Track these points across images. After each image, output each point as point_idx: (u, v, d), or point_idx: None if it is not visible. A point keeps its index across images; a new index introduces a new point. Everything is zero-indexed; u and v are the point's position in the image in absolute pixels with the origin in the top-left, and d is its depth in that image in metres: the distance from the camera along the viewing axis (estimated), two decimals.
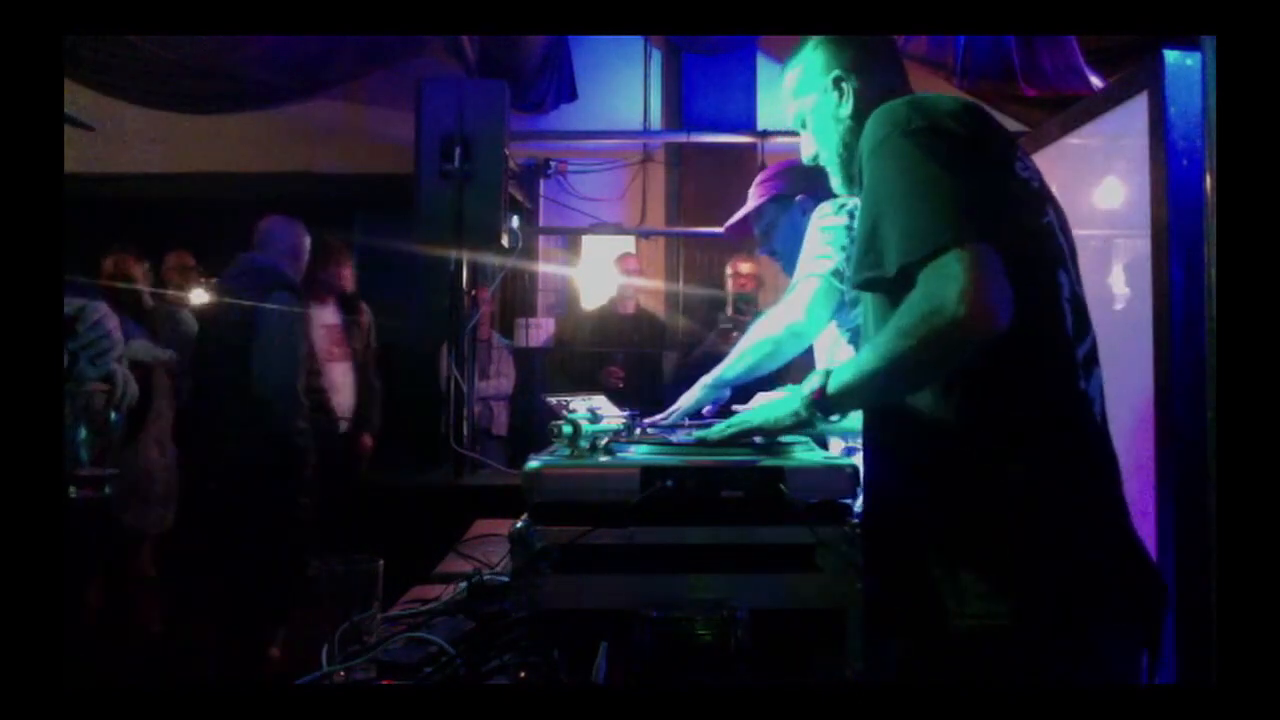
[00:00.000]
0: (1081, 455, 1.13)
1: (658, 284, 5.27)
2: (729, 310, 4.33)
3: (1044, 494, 1.09)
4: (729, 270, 4.43)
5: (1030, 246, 1.12)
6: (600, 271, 5.16)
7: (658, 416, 1.80)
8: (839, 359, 1.79)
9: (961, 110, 1.14)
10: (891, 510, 1.20)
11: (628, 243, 5.27)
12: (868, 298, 1.22)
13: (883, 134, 1.13)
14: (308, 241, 3.50)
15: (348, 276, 4.27)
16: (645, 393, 4.36)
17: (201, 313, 3.85)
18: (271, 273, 3.27)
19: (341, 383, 4.14)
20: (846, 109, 1.31)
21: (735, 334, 4.12)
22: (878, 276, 1.11)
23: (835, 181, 1.39)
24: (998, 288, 1.00)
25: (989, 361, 1.03)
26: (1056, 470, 1.10)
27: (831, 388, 1.15)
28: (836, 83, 1.31)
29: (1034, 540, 1.07)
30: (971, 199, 1.05)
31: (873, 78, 1.31)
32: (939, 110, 1.12)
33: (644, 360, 4.70)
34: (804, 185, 1.98)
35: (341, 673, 1.17)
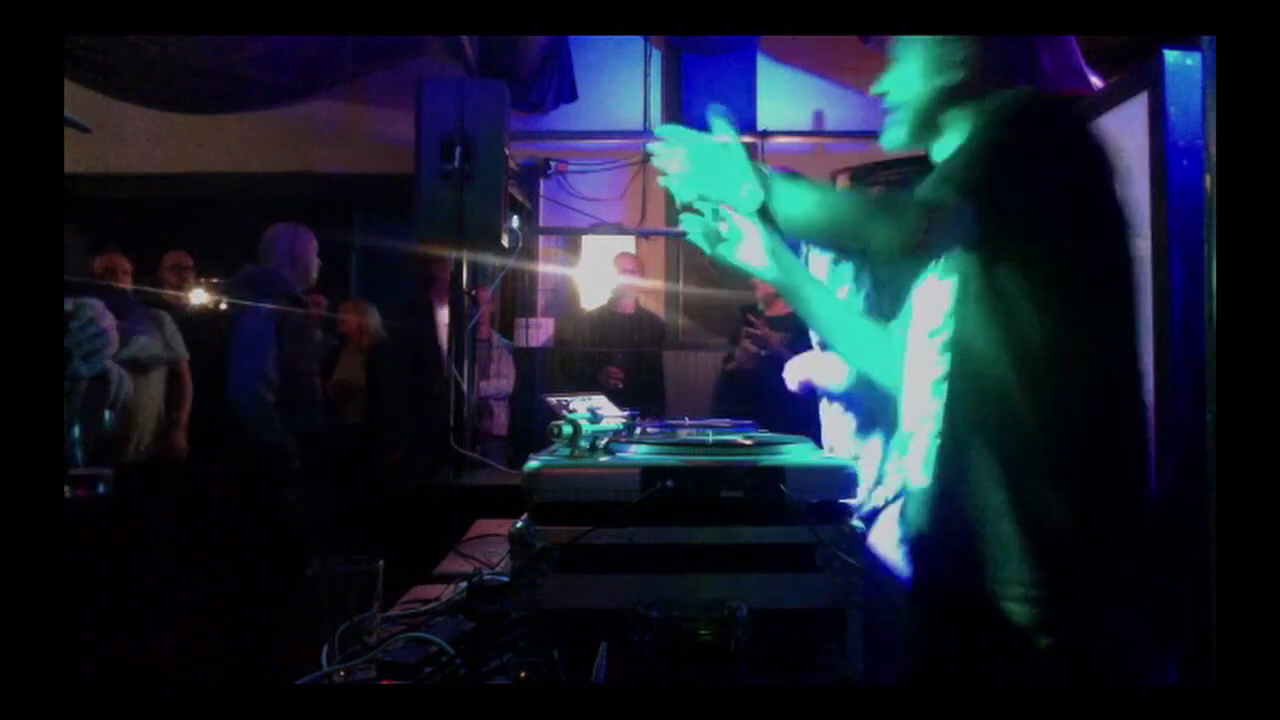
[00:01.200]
0: (1143, 428, 1.22)
1: (657, 284, 5.27)
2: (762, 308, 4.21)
3: (1118, 467, 1.17)
4: None
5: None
6: (600, 271, 5.16)
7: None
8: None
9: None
10: (964, 483, 1.22)
11: (627, 243, 5.27)
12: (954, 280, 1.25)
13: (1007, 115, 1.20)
14: (313, 244, 3.59)
15: None
16: (645, 393, 4.36)
17: (193, 318, 3.95)
18: (265, 279, 3.39)
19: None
20: (953, 81, 1.29)
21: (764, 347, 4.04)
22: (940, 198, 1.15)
23: (897, 132, 1.36)
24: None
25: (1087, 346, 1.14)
26: (1131, 441, 1.19)
27: (778, 202, 1.21)
28: (958, 51, 1.29)
29: (1107, 513, 1.14)
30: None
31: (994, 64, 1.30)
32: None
33: (644, 360, 4.69)
34: None
35: (341, 673, 1.17)
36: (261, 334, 3.31)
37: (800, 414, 2.02)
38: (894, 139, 1.36)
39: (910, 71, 1.32)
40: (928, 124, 1.32)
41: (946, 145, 1.30)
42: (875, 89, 1.38)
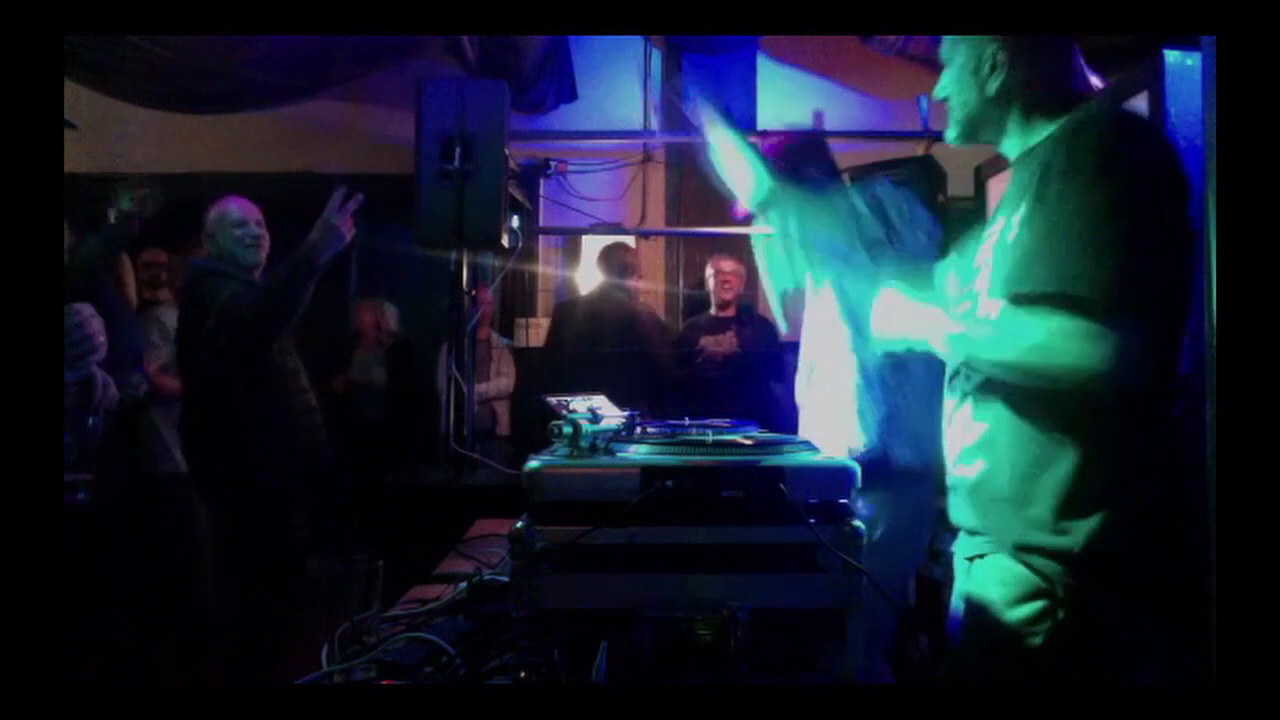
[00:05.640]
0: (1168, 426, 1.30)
1: (657, 284, 5.26)
2: (712, 310, 4.31)
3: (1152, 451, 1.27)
4: (710, 269, 4.37)
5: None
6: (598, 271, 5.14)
7: None
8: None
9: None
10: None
11: (626, 243, 5.27)
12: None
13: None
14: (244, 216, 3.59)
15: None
16: (645, 393, 4.36)
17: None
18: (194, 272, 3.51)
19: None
20: (994, 85, 1.34)
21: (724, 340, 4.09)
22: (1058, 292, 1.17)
23: (950, 132, 1.42)
24: (1133, 367, 1.15)
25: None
26: (1162, 435, 1.29)
27: (957, 345, 1.29)
28: (994, 54, 1.33)
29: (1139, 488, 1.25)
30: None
31: (1033, 67, 1.33)
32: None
33: (644, 360, 4.68)
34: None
35: (341, 673, 1.17)
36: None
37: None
38: (950, 137, 1.43)
39: (956, 74, 1.38)
40: (982, 124, 1.38)
41: (1014, 145, 1.36)
42: (936, 93, 1.44)
